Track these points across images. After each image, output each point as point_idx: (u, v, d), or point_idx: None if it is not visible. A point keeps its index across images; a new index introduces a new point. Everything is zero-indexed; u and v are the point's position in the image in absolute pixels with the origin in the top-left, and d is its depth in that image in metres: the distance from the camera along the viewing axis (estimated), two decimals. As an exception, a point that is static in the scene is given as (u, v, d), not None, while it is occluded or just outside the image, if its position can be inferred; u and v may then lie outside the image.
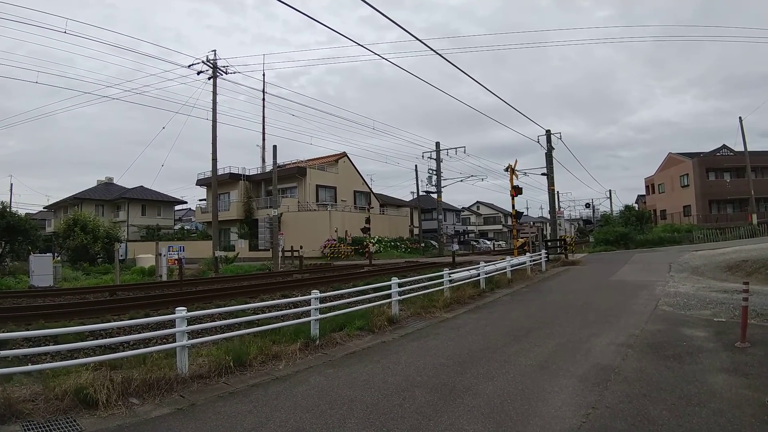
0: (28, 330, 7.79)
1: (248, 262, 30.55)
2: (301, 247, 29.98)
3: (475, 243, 55.06)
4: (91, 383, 4.70)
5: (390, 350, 6.95)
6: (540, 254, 19.84)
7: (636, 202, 63.85)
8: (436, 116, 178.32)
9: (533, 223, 37.58)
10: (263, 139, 40.60)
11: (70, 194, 48.46)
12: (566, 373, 5.40)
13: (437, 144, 38.09)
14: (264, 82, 39.29)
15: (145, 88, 66.73)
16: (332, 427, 4.11)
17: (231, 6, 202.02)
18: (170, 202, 53.78)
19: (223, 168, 38.47)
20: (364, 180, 47.14)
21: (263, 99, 38.68)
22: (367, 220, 33.61)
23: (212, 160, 26.80)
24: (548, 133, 27.32)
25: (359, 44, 18.23)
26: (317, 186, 41.03)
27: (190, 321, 6.04)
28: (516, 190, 22.80)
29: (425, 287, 11.14)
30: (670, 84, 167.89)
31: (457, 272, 12.72)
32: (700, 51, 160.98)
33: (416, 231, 50.18)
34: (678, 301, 9.99)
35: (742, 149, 37.13)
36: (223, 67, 26.75)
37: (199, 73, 26.51)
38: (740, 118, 37.47)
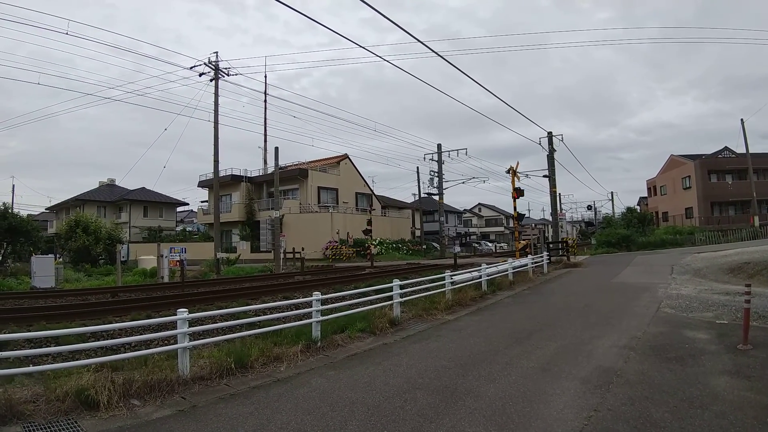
0: (29, 331, 7.80)
1: (250, 263, 30.55)
2: (302, 249, 29.97)
3: (476, 245, 55.00)
4: (93, 384, 4.70)
5: (391, 352, 6.93)
6: (542, 256, 19.81)
7: (638, 204, 63.71)
8: (438, 118, 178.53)
9: (535, 225, 37.57)
10: (265, 141, 40.60)
11: (72, 195, 48.60)
12: (568, 376, 5.38)
13: (439, 146, 38.13)
14: (266, 83, 39.29)
15: (147, 90, 66.94)
16: (334, 429, 4.10)
17: (231, 7, 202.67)
18: (172, 204, 53.84)
19: (225, 170, 38.55)
20: (365, 182, 47.15)
21: (265, 101, 38.68)
22: (369, 222, 33.57)
23: (214, 161, 26.82)
24: (550, 135, 27.30)
25: (360, 46, 18.28)
26: (319, 188, 41.04)
27: (192, 322, 6.05)
28: (518, 192, 22.81)
29: (427, 289, 11.12)
30: (671, 86, 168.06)
31: (459, 274, 12.70)
32: (700, 52, 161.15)
33: (418, 233, 50.19)
34: (680, 304, 9.97)
35: (744, 151, 37.03)
36: (225, 68, 26.78)
37: (200, 75, 26.55)
38: (742, 120, 37.54)
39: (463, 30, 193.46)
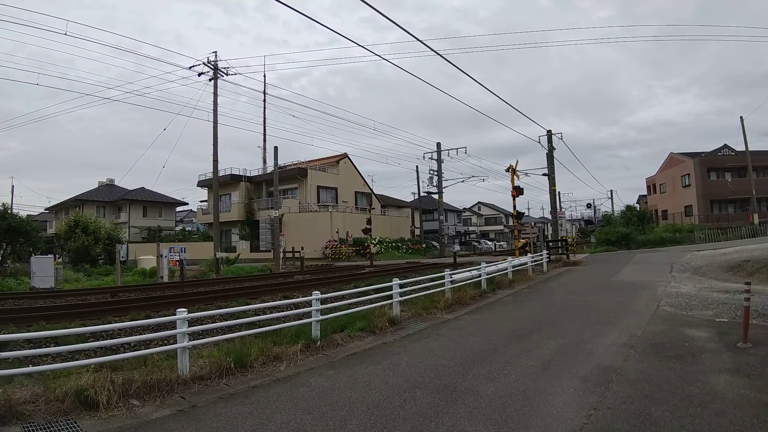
0: (29, 331, 7.80)
1: (249, 263, 30.53)
2: (302, 248, 29.96)
3: (476, 244, 55.03)
4: (92, 385, 4.70)
5: (391, 351, 6.93)
6: (541, 255, 19.81)
7: (637, 202, 63.75)
8: (437, 117, 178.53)
9: (534, 224, 37.53)
10: (264, 141, 40.55)
11: (72, 196, 48.55)
12: (568, 374, 5.38)
13: (438, 144, 38.15)
14: (265, 83, 39.35)
15: (146, 90, 66.93)
16: (333, 428, 4.10)
17: (231, 7, 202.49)
18: (171, 204, 53.83)
19: (224, 169, 38.53)
20: (365, 181, 47.13)
21: (264, 100, 38.61)
22: (368, 221, 33.58)
23: (213, 161, 26.80)
24: (549, 133, 27.28)
25: (360, 45, 18.28)
26: (318, 187, 41.02)
27: (191, 322, 6.04)
28: (517, 191, 22.79)
29: (426, 288, 11.13)
30: (671, 83, 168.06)
31: (459, 273, 12.69)
32: (700, 50, 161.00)
33: (417, 232, 50.21)
34: (680, 302, 9.97)
35: (744, 149, 37.04)
36: (224, 68, 26.75)
37: (200, 75, 26.52)
38: (741, 117, 37.50)
39: (463, 29, 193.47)
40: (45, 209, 53.18)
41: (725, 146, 44.96)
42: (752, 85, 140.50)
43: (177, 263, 21.81)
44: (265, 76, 51.61)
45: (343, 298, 9.59)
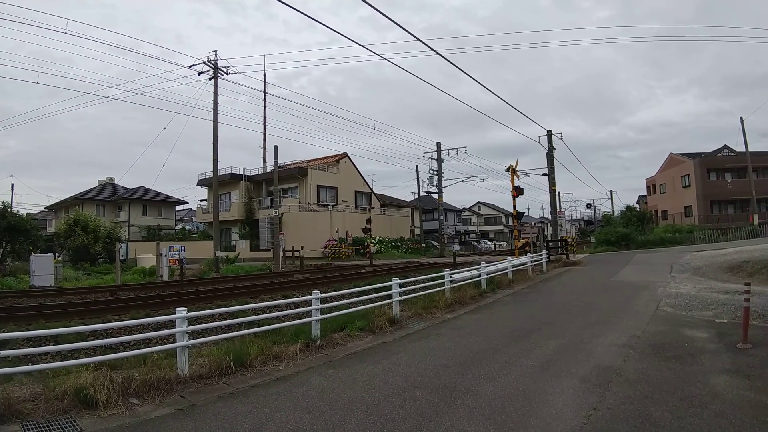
0: (28, 330, 7.79)
1: (249, 262, 30.54)
2: (302, 248, 29.97)
3: (476, 243, 55.05)
4: (92, 383, 4.70)
5: (391, 351, 6.93)
6: (541, 255, 19.81)
7: (637, 203, 63.75)
8: (437, 116, 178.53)
9: (534, 224, 37.52)
10: (264, 140, 40.66)
11: (71, 194, 48.53)
12: (568, 374, 5.38)
13: (438, 144, 38.16)
14: (265, 82, 39.43)
15: (146, 89, 66.97)
16: (333, 427, 4.10)
17: (231, 6, 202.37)
18: (171, 203, 53.81)
19: (224, 168, 38.51)
20: (365, 180, 47.13)
21: (264, 99, 38.71)
22: (368, 221, 33.57)
23: (213, 160, 26.80)
24: (549, 133, 27.29)
25: (360, 44, 18.26)
26: (318, 186, 41.01)
27: (191, 321, 6.04)
28: (517, 191, 22.78)
29: (426, 288, 11.13)
30: (671, 84, 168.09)
31: (458, 273, 12.70)
32: (699, 51, 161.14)
33: (417, 231, 50.20)
34: (679, 302, 9.97)
35: (744, 149, 37.04)
36: (224, 67, 26.76)
37: (200, 74, 26.52)
38: (741, 118, 37.47)
39: (463, 29, 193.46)
40: (45, 208, 53.24)
41: (725, 147, 44.94)
42: (752, 85, 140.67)
43: (177, 262, 21.80)
44: (265, 75, 51.73)
45: (342, 297, 9.59)
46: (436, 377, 5.48)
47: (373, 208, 46.23)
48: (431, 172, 38.17)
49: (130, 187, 50.78)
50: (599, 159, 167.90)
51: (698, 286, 12.38)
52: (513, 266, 15.86)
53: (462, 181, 41.31)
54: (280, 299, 11.33)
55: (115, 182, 51.77)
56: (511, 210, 24.38)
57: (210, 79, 26.61)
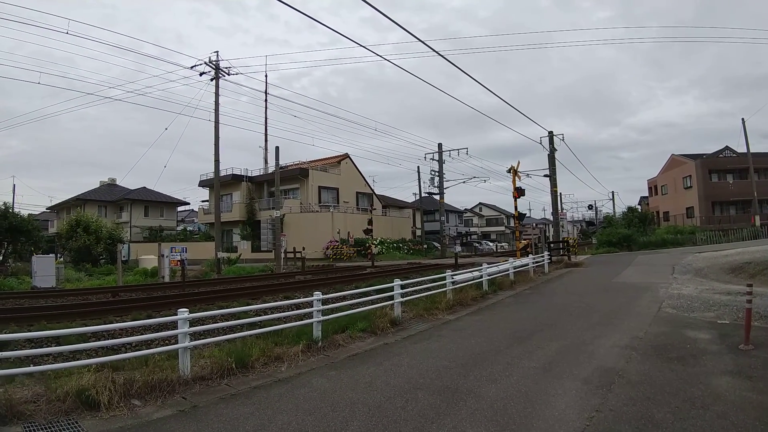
0: (30, 331, 7.80)
1: (251, 263, 30.54)
2: (303, 249, 29.96)
3: (477, 244, 55.02)
4: (93, 385, 4.70)
5: (392, 352, 6.93)
6: (543, 256, 19.79)
7: (639, 204, 63.67)
8: (438, 117, 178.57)
9: (536, 225, 37.45)
10: (265, 141, 40.63)
11: (73, 195, 48.65)
12: (570, 376, 5.37)
13: (439, 145, 38.12)
14: (266, 83, 39.31)
15: (148, 90, 66.90)
16: (335, 429, 4.09)
17: (232, 7, 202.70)
18: (173, 204, 53.88)
19: (225, 169, 38.55)
20: (366, 181, 47.13)
21: (266, 100, 38.69)
22: (370, 222, 33.57)
23: (215, 161, 26.81)
24: (551, 134, 27.29)
25: (361, 45, 18.29)
26: (319, 187, 41.03)
27: (193, 322, 6.04)
28: (518, 192, 22.78)
29: (428, 289, 11.11)
30: (671, 85, 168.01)
31: (460, 274, 12.68)
32: (700, 52, 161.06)
33: (418, 232, 50.14)
34: (681, 304, 9.95)
35: (745, 150, 36.98)
36: (226, 68, 26.75)
37: (201, 75, 26.52)
38: (743, 119, 37.50)
39: (464, 30, 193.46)
40: (46, 208, 53.34)
41: (727, 148, 44.87)
42: (752, 87, 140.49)
43: (178, 263, 21.81)
44: (266, 76, 51.60)
45: (344, 298, 9.60)
46: (438, 379, 5.47)
47: (375, 209, 46.23)
48: (432, 173, 38.17)
49: (132, 187, 50.92)
50: (600, 160, 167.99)
51: (700, 287, 12.35)
52: (515, 267, 15.84)
53: (463, 182, 41.32)
54: (281, 300, 11.34)
55: (117, 183, 51.88)
56: (513, 211, 24.37)
57: (211, 79, 26.63)
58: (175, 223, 53.86)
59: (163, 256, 21.58)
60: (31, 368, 5.24)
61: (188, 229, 52.14)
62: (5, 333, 7.07)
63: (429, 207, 53.55)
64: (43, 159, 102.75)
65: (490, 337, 7.66)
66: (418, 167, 48.79)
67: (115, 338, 6.69)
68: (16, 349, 6.22)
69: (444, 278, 11.61)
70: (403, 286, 9.57)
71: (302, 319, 7.75)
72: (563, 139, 27.58)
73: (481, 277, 13.13)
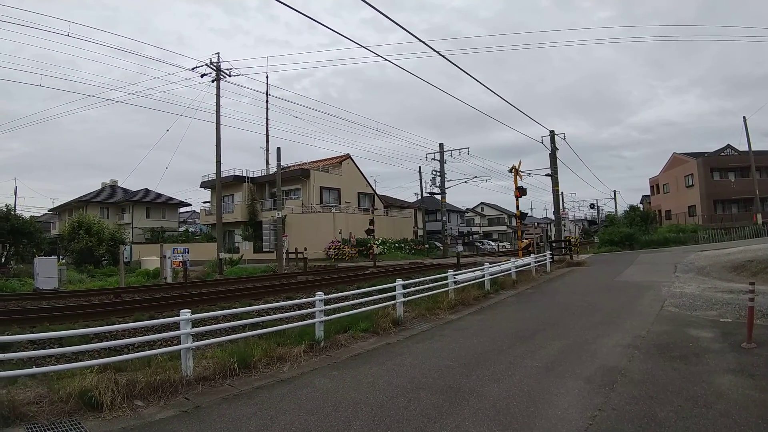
0: (32, 332, 7.82)
1: (252, 264, 30.59)
2: (305, 249, 29.97)
3: (479, 244, 54.96)
4: (96, 385, 4.71)
5: (395, 352, 6.93)
6: (545, 255, 19.78)
7: (641, 203, 63.52)
8: (440, 117, 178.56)
9: (537, 224, 37.45)
10: (267, 141, 40.60)
11: (75, 197, 48.74)
12: (572, 375, 5.36)
13: (441, 145, 38.10)
14: (267, 84, 39.27)
15: (149, 91, 67.07)
16: (337, 429, 4.10)
17: (232, 8, 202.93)
18: (175, 205, 53.94)
19: (227, 170, 38.65)
20: (367, 181, 47.12)
21: (267, 101, 38.65)
22: (371, 222, 33.54)
23: (216, 162, 26.84)
24: (552, 133, 27.28)
25: (362, 46, 18.28)
26: (321, 188, 41.05)
27: (195, 323, 6.05)
28: (520, 191, 22.74)
29: (430, 289, 11.11)
30: (672, 84, 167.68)
31: (462, 274, 12.67)
32: (700, 51, 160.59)
33: (420, 232, 50.12)
34: (684, 302, 9.93)
35: (747, 149, 36.90)
36: (227, 69, 26.77)
37: (202, 76, 26.54)
38: (744, 117, 37.48)
39: (464, 30, 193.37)
40: (48, 210, 53.40)
41: (728, 146, 44.75)
42: (754, 86, 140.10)
43: (180, 264, 21.85)
44: (267, 77, 51.74)
45: (346, 298, 9.60)
46: (440, 378, 5.47)
47: (376, 209, 46.21)
48: (434, 173, 38.15)
49: (134, 189, 50.98)
50: (602, 159, 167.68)
51: (702, 285, 12.33)
52: (517, 267, 15.83)
53: (465, 182, 41.30)
54: (284, 301, 11.35)
55: (119, 185, 51.96)
56: (515, 210, 24.33)
57: (212, 81, 26.64)
58: (177, 224, 53.93)
59: (165, 257, 21.63)
60: (34, 369, 5.25)
61: (190, 230, 52.24)
62: (8, 335, 7.09)
63: (430, 207, 53.52)
64: (45, 161, 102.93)
65: (492, 337, 7.65)
66: (420, 167, 48.85)
67: (117, 339, 6.71)
68: (19, 351, 6.23)
69: (446, 278, 11.61)
70: (405, 286, 9.57)
71: (304, 320, 7.76)
72: (564, 138, 27.62)
73: (483, 276, 13.13)
